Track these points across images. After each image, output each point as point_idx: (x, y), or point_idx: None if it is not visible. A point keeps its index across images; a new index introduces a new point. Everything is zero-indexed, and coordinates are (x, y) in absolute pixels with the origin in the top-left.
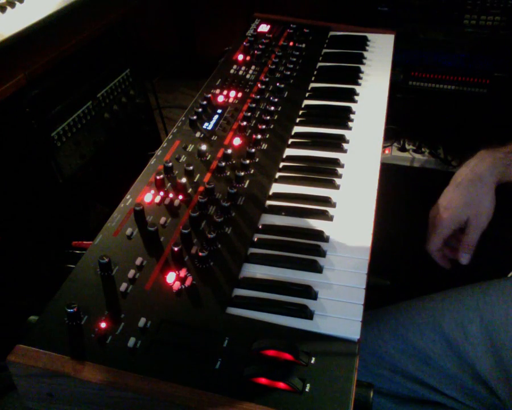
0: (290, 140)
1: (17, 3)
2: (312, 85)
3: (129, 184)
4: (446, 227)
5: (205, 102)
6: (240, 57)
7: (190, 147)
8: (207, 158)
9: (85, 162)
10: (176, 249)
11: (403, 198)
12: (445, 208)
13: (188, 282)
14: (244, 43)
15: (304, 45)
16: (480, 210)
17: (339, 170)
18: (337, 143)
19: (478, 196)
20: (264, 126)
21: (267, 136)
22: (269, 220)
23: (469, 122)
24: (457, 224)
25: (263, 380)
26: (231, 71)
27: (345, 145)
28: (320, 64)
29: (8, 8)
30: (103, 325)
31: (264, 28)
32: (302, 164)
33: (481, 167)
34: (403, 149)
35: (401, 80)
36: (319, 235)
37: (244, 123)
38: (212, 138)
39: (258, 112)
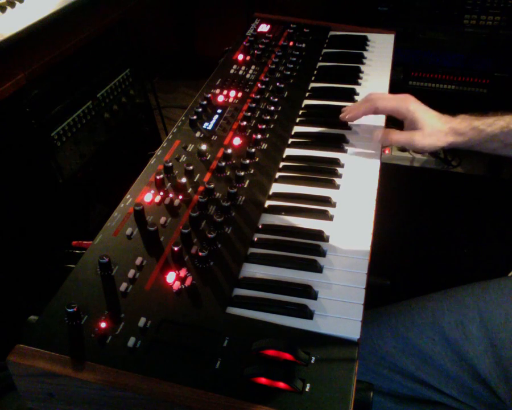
0: (290, 140)
1: (17, 3)
2: (312, 84)
3: (129, 184)
4: (404, 105)
5: (205, 102)
6: (240, 57)
7: (190, 147)
8: (207, 158)
9: (85, 162)
10: (176, 248)
11: (403, 198)
12: (416, 101)
13: (188, 282)
14: (244, 43)
15: (304, 45)
16: (435, 138)
17: (339, 170)
18: (337, 143)
19: (443, 130)
20: (264, 126)
21: (267, 136)
22: (269, 219)
23: None
24: (411, 115)
25: (263, 380)
26: (231, 71)
27: (345, 145)
28: (319, 63)
29: (8, 8)
30: (103, 325)
31: (264, 28)
32: (302, 164)
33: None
34: (403, 149)
35: (401, 80)
36: (319, 235)
37: (244, 123)
38: (212, 138)
39: (258, 112)
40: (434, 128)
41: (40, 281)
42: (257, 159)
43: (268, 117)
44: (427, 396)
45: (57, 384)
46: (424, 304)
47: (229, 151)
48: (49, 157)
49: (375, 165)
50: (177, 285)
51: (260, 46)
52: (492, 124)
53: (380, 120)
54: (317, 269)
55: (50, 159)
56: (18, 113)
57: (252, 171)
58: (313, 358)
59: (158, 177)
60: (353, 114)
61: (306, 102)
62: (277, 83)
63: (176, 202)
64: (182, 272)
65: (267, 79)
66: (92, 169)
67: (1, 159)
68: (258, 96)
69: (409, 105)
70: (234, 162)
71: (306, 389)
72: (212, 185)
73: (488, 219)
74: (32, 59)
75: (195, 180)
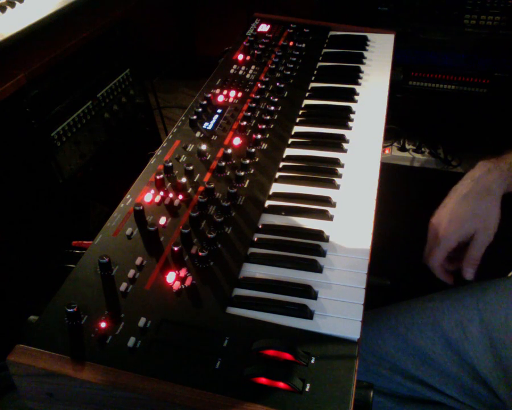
0: (290, 140)
1: (17, 3)
2: (312, 84)
3: (129, 184)
4: (451, 240)
5: (205, 102)
6: (240, 57)
7: (190, 147)
8: (207, 158)
9: (85, 162)
10: (176, 248)
11: (403, 198)
12: (450, 221)
13: (188, 282)
14: (244, 43)
15: (304, 45)
16: (488, 223)
17: (339, 170)
18: (337, 143)
19: (486, 209)
20: (264, 126)
21: (267, 136)
22: (269, 219)
23: (469, 122)
24: (463, 237)
25: (263, 380)
26: (231, 71)
27: (345, 145)
28: (320, 63)
29: (8, 8)
30: (103, 325)
31: (264, 28)
32: (302, 164)
33: (488, 179)
34: (403, 149)
35: (401, 80)
36: (319, 235)
37: (244, 123)
38: (212, 138)
39: (258, 112)
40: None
41: (40, 281)
42: (257, 159)
43: (268, 117)
44: (427, 396)
45: (57, 384)
46: (424, 304)
47: (229, 151)
48: (49, 157)
49: (375, 165)
50: (177, 285)
51: (260, 46)
52: None
53: (380, 119)
54: (317, 268)
55: (50, 159)
56: (18, 113)
57: (252, 171)
58: (313, 358)
59: (158, 177)
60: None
61: (306, 102)
62: (277, 83)
63: (176, 202)
64: (182, 272)
65: (267, 79)
66: (92, 169)
67: (2, 159)
68: (258, 96)
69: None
70: (234, 162)
71: (306, 389)
72: (212, 185)
73: None
74: (32, 59)
75: (195, 180)
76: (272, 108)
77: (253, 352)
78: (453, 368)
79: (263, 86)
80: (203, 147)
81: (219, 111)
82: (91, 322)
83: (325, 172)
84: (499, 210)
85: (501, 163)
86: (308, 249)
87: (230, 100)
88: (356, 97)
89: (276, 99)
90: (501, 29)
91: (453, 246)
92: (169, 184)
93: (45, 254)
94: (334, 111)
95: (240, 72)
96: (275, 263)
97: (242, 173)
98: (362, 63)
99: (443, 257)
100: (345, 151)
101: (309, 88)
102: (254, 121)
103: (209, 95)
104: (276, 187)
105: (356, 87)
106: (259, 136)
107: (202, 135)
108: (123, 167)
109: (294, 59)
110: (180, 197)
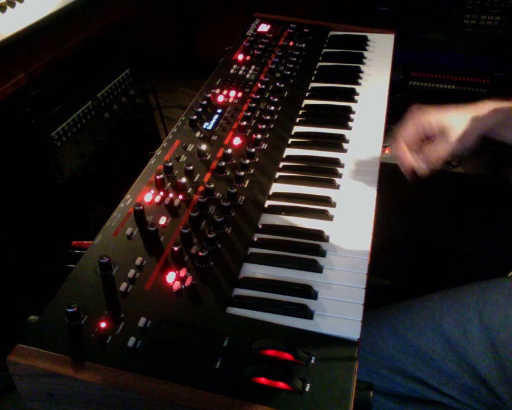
0: (290, 140)
1: (17, 3)
2: (312, 84)
3: (129, 184)
4: (424, 121)
5: (205, 102)
6: (240, 57)
7: (190, 147)
8: (207, 158)
9: (85, 162)
10: (176, 248)
11: (403, 198)
12: (431, 112)
13: (188, 282)
14: (244, 43)
15: (304, 45)
16: (463, 134)
17: (339, 170)
18: (337, 142)
19: (467, 123)
20: (264, 126)
21: (267, 136)
22: (269, 219)
23: None
24: (436, 128)
25: (263, 380)
26: (231, 71)
27: (345, 145)
28: (320, 63)
29: (8, 8)
30: (103, 325)
31: (264, 28)
32: (302, 164)
33: (483, 111)
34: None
35: (401, 80)
36: (319, 235)
37: (244, 123)
38: (212, 138)
39: (258, 112)
40: (466, 131)
41: (40, 281)
42: (257, 159)
43: (268, 117)
44: (427, 396)
45: (57, 384)
46: (424, 304)
47: (229, 151)
48: (49, 157)
49: (375, 165)
50: (177, 285)
51: (260, 46)
52: None
53: (380, 119)
54: (317, 269)
55: (50, 159)
56: (18, 113)
57: (252, 171)
58: (313, 358)
59: (158, 177)
60: (406, 165)
61: (306, 102)
62: (277, 83)
63: (176, 202)
64: (182, 272)
65: (267, 79)
66: (92, 169)
67: (2, 159)
68: (258, 96)
69: (430, 118)
70: (234, 162)
71: (306, 389)
72: (212, 185)
73: (489, 219)
74: (32, 59)
75: (195, 180)
76: (272, 108)
77: (253, 352)
78: (453, 368)
79: (263, 86)
80: (203, 147)
81: (219, 111)
82: (91, 322)
83: (325, 172)
84: (475, 138)
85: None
86: (308, 249)
87: (230, 100)
88: (356, 97)
89: (276, 99)
90: (501, 29)
91: (422, 127)
92: (169, 184)
93: (45, 254)
94: (334, 111)
95: (240, 72)
96: (275, 263)
97: (242, 173)
98: (362, 63)
99: (411, 133)
100: (345, 151)
101: (309, 88)
102: (254, 121)
103: (209, 95)
104: (276, 187)
105: (356, 87)
106: (259, 136)
107: (202, 135)
108: (123, 167)
109: (294, 59)
110: (180, 197)
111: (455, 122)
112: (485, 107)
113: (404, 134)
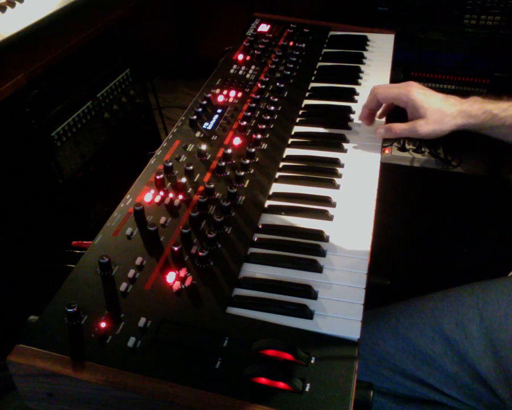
0: (290, 140)
1: (17, 3)
2: (312, 84)
3: (129, 184)
4: (404, 96)
5: (205, 102)
6: (240, 57)
7: (190, 147)
8: (207, 158)
9: (85, 162)
10: (176, 248)
11: (403, 198)
12: (419, 91)
13: (188, 282)
14: (244, 43)
15: (304, 45)
16: (442, 118)
17: (339, 170)
18: (337, 143)
19: (451, 111)
20: (264, 126)
21: (267, 136)
22: (269, 219)
23: None
24: (412, 106)
25: (263, 380)
26: (231, 71)
27: (345, 145)
28: (319, 63)
29: (8, 8)
30: (103, 325)
31: (264, 28)
32: (302, 164)
33: (472, 107)
34: (403, 149)
35: (401, 80)
36: (319, 235)
37: (244, 123)
38: (212, 138)
39: (258, 112)
40: (440, 113)
41: (40, 281)
42: (257, 159)
43: (268, 117)
44: (427, 396)
45: (57, 384)
46: (424, 304)
47: (229, 151)
48: (49, 157)
49: (375, 165)
50: (177, 285)
51: (260, 46)
52: (507, 110)
53: (380, 120)
54: (317, 269)
55: (50, 159)
56: (18, 113)
57: (252, 171)
58: (313, 358)
59: (158, 177)
60: (362, 113)
61: (306, 102)
62: (277, 83)
63: (176, 202)
64: (182, 272)
65: (267, 79)
66: (92, 169)
67: (2, 159)
68: (258, 96)
69: (410, 93)
70: (234, 162)
71: (306, 389)
72: (212, 185)
73: (488, 219)
74: (32, 59)
75: (195, 180)
76: (272, 108)
77: (253, 352)
78: (453, 368)
79: (263, 86)
80: (203, 147)
81: (219, 111)
82: (91, 322)
83: (325, 172)
84: (453, 127)
85: (488, 105)
86: (308, 249)
87: (230, 100)
88: (356, 97)
89: (276, 99)
90: (501, 29)
91: (389, 96)
92: (169, 184)
93: (45, 254)
94: (334, 111)
95: (240, 72)
96: (275, 263)
97: (242, 173)
98: (362, 63)
99: (381, 93)
100: (345, 151)
101: (309, 88)
102: (254, 121)
103: (209, 95)
104: (276, 187)
105: (356, 87)
106: (259, 136)
107: (202, 135)
108: (123, 167)
109: (294, 59)
110: (180, 197)
111: (437, 106)
112: (474, 104)
113: (381, 90)
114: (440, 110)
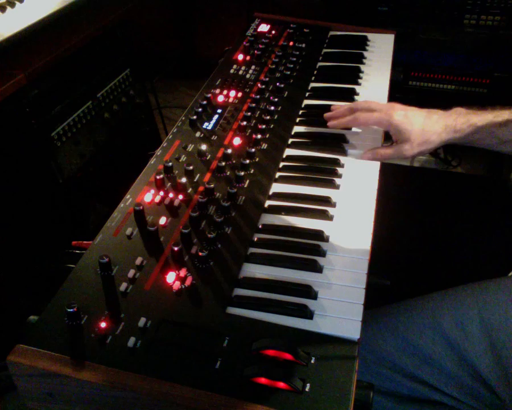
0: (290, 140)
1: (17, 3)
2: (312, 84)
3: (129, 184)
4: (385, 119)
5: (205, 102)
6: (240, 57)
7: (190, 147)
8: (207, 158)
9: (85, 162)
10: (176, 248)
11: (403, 198)
12: (400, 113)
13: (188, 282)
14: (244, 43)
15: (304, 45)
16: (427, 138)
17: (339, 170)
18: (337, 143)
19: (435, 128)
20: (264, 126)
21: (267, 136)
22: (269, 219)
23: None
24: (394, 130)
25: (263, 380)
26: (231, 71)
27: (345, 145)
28: (320, 63)
29: (8, 8)
30: (103, 325)
31: (264, 28)
32: (302, 164)
33: (457, 121)
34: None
35: (401, 80)
36: (319, 235)
37: (244, 123)
38: (212, 138)
39: (258, 112)
40: (424, 133)
41: (40, 281)
42: (257, 159)
43: (268, 117)
44: (427, 396)
45: (57, 384)
46: (424, 304)
47: (229, 151)
48: (49, 157)
49: (375, 165)
50: (177, 285)
51: (260, 46)
52: (491, 121)
53: None
54: (317, 269)
55: (50, 159)
56: (18, 113)
57: (252, 171)
58: (313, 358)
59: (158, 177)
60: (335, 123)
61: (306, 102)
62: (277, 83)
63: (176, 202)
64: (182, 272)
65: (267, 79)
66: (92, 169)
67: (2, 159)
68: (258, 96)
69: (392, 117)
70: (234, 162)
71: (306, 389)
72: (212, 185)
73: (488, 219)
74: (32, 59)
75: (195, 180)
76: (272, 108)
77: (253, 352)
78: (453, 367)
79: (263, 86)
80: (203, 147)
81: (219, 111)
82: (91, 322)
83: (325, 172)
84: (438, 144)
85: (472, 117)
86: (308, 249)
87: (230, 100)
88: (356, 97)
89: (276, 99)
90: (501, 29)
91: (372, 121)
92: (169, 184)
93: (45, 254)
94: None
95: (240, 72)
96: (275, 263)
97: (242, 173)
98: (362, 63)
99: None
100: (345, 151)
101: (309, 88)
102: (254, 121)
103: (209, 95)
104: (276, 187)
105: (356, 87)
106: (259, 136)
107: (202, 135)
108: (123, 167)
109: (294, 59)
110: (180, 197)
111: (421, 126)
112: (459, 118)
113: (363, 114)
114: (424, 130)
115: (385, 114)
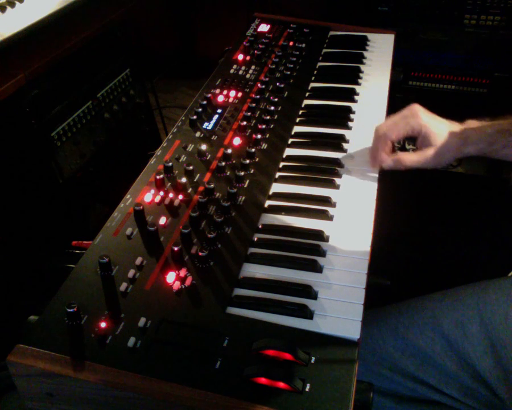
0: (290, 140)
1: (17, 3)
2: (312, 84)
3: (129, 184)
4: (414, 123)
5: (205, 102)
6: (240, 57)
7: (190, 147)
8: (207, 158)
9: (85, 162)
10: (176, 248)
11: (403, 198)
12: (424, 116)
13: (188, 282)
14: (244, 43)
15: (304, 45)
16: (442, 150)
17: (339, 170)
18: (337, 143)
19: (450, 141)
20: (264, 126)
21: (267, 136)
22: (269, 219)
23: None
24: (421, 133)
25: (263, 380)
26: (231, 71)
27: (345, 145)
28: (319, 63)
29: (8, 8)
30: (103, 325)
31: (264, 28)
32: (302, 164)
33: (470, 135)
34: (403, 149)
35: (401, 80)
36: (319, 235)
37: (244, 123)
38: (212, 138)
39: (258, 112)
40: (447, 144)
41: (40, 281)
42: (257, 159)
43: (268, 117)
44: (427, 396)
45: (57, 384)
46: (424, 304)
47: (229, 151)
48: (49, 157)
49: None
50: (177, 285)
51: (260, 46)
52: (507, 131)
53: (380, 119)
54: (317, 269)
55: (50, 159)
56: (18, 113)
57: (252, 171)
58: (313, 358)
59: (158, 177)
60: (378, 160)
61: (306, 102)
62: (277, 83)
63: (176, 202)
64: (182, 272)
65: (267, 79)
66: (92, 169)
67: (2, 159)
68: (258, 96)
69: (421, 119)
70: (234, 162)
71: (306, 389)
72: (212, 185)
73: (488, 219)
74: (32, 59)
75: (195, 180)
76: (272, 108)
77: (253, 352)
78: (453, 367)
79: (263, 86)
80: (203, 147)
81: (219, 111)
82: (91, 322)
83: (325, 172)
84: (451, 159)
85: (487, 129)
86: (308, 249)
87: (230, 100)
88: (356, 97)
89: (276, 99)
90: (501, 29)
91: (402, 132)
92: (169, 184)
93: (45, 254)
94: (334, 111)
95: (240, 72)
96: (275, 263)
97: (242, 173)
98: (362, 63)
99: (390, 126)
100: (345, 151)
101: (309, 88)
102: (254, 121)
103: (209, 95)
104: (276, 187)
105: (356, 87)
106: (259, 136)
107: (202, 135)
108: (123, 167)
109: (294, 59)
110: (180, 197)
111: (445, 134)
112: (472, 132)
113: (390, 129)
114: (449, 140)
115: (413, 118)
